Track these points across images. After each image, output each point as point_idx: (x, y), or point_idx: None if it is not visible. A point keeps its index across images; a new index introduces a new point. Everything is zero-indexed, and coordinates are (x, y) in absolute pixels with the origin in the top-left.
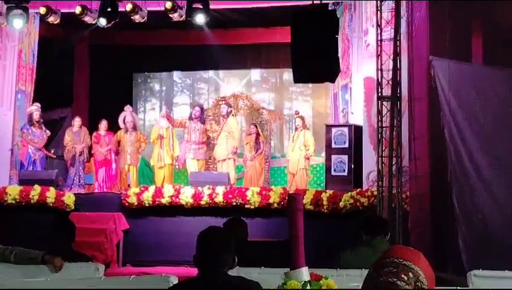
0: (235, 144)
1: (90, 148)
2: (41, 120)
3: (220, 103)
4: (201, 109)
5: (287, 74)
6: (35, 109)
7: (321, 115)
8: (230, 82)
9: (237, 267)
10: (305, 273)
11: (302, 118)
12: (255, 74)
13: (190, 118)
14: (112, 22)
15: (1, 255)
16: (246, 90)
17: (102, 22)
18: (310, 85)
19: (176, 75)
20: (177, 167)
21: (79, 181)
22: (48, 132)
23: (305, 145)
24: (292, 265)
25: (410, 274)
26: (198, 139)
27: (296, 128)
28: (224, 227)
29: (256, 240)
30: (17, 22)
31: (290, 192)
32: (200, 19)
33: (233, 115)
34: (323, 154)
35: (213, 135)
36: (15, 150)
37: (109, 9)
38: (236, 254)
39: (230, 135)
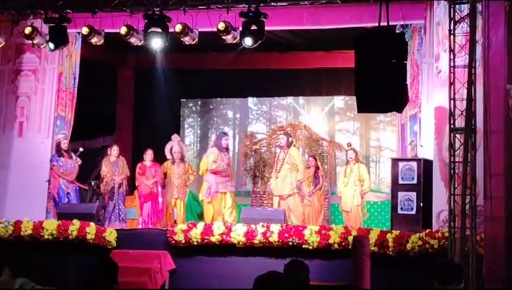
0: (299, 177)
1: (129, 179)
2: (69, 148)
3: (279, 132)
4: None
5: None
6: (62, 137)
7: None
8: (311, 110)
9: None
10: None
11: (355, 151)
12: (339, 101)
13: (220, 149)
14: (162, 45)
15: None
16: (327, 119)
17: (155, 44)
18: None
19: (251, 101)
20: None
21: (119, 215)
22: (78, 160)
23: (359, 180)
24: None
25: None
26: (225, 170)
27: (348, 162)
28: (284, 271)
29: (317, 284)
30: (50, 44)
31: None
32: (251, 41)
33: (294, 145)
34: (388, 190)
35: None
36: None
37: (158, 30)
38: None
39: (293, 168)
